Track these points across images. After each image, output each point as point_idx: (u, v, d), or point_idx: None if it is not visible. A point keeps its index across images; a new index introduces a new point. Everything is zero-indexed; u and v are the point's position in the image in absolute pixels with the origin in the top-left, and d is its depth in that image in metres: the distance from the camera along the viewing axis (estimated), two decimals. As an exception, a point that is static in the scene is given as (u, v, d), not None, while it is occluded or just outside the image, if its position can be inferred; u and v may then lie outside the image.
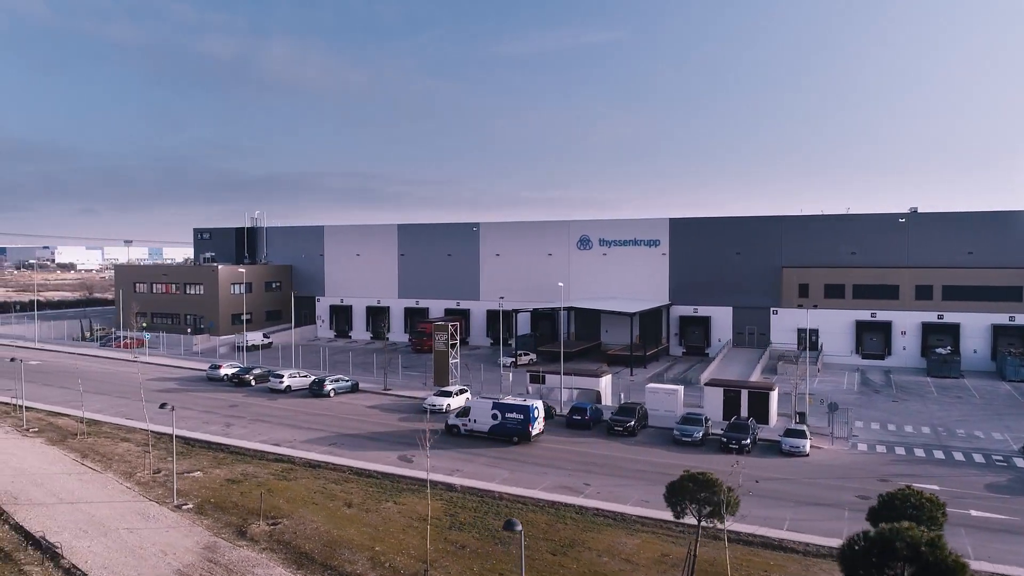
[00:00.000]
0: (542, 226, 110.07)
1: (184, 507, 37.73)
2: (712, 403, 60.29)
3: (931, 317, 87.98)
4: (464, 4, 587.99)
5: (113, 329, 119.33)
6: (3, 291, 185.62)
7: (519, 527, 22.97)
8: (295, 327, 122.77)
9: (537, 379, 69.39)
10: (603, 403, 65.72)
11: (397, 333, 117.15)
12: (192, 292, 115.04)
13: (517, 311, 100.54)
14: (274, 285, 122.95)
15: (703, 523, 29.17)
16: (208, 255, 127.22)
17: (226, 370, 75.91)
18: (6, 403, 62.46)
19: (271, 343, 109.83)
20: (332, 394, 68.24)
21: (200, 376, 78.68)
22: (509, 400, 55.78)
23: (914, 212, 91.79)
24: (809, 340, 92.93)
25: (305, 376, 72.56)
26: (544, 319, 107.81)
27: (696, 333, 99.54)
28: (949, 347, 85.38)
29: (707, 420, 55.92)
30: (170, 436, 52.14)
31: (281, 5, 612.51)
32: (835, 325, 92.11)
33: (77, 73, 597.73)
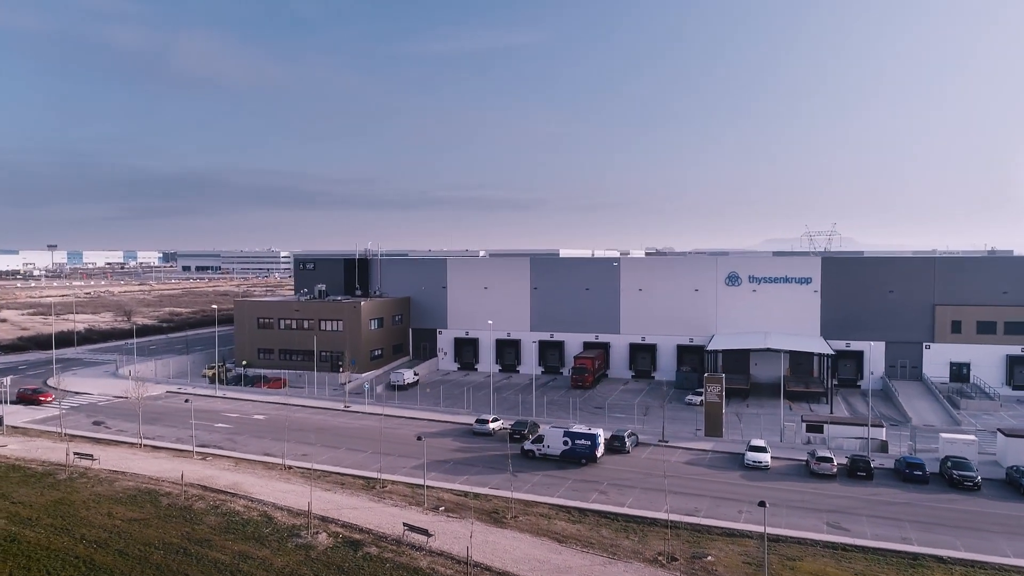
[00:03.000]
0: (688, 261, 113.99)
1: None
2: (1011, 451, 65.39)
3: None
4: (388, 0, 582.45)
5: (237, 367, 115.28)
6: (15, 313, 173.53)
7: None
8: (414, 360, 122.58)
9: (816, 429, 73.09)
10: (889, 452, 70.09)
11: (529, 365, 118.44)
12: (328, 328, 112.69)
13: (702, 346, 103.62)
14: (397, 318, 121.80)
15: None
16: (320, 287, 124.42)
17: (493, 424, 76.04)
18: (363, 477, 61.05)
19: (418, 380, 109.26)
20: (630, 450, 69.84)
21: (457, 429, 78.18)
22: (577, 429, 67.52)
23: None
24: (961, 373, 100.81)
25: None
26: (688, 352, 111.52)
27: (848, 366, 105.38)
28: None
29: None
30: (586, 511, 53.17)
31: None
32: (987, 359, 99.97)
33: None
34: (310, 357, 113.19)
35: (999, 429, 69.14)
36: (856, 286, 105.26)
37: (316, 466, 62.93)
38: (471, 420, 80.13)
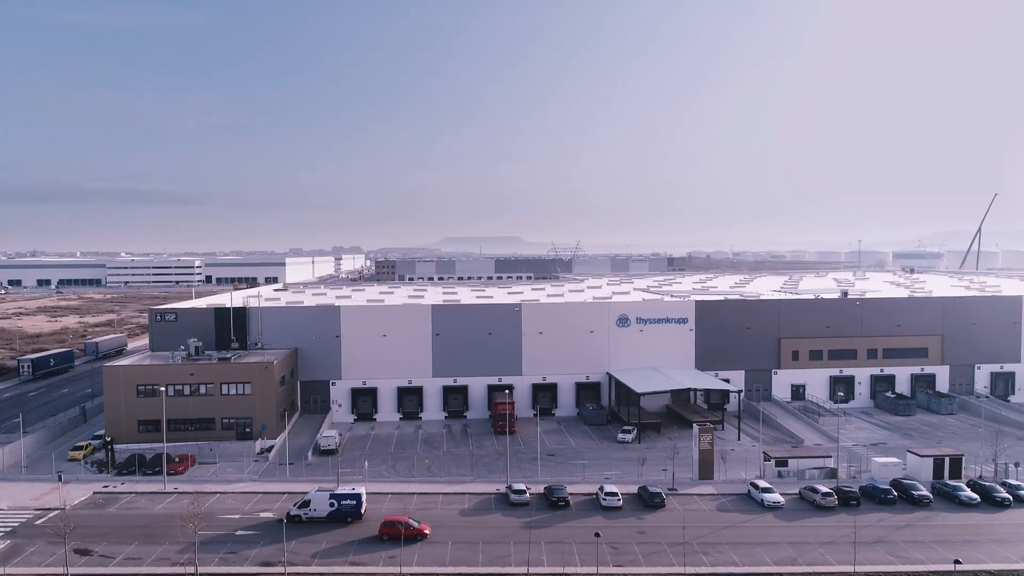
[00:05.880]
0: (584, 307, 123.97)
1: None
2: (923, 468, 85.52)
3: (876, 371, 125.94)
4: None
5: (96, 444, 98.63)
6: None
7: None
8: (305, 416, 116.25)
9: (783, 463, 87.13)
10: (839, 477, 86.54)
11: (431, 412, 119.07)
12: (232, 392, 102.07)
13: (598, 382, 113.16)
14: (291, 373, 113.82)
15: None
16: (196, 343, 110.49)
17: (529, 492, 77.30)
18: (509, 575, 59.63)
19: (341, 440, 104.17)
20: (666, 504, 77.04)
21: (482, 501, 77.97)
22: (342, 491, 72.93)
23: (862, 298, 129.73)
24: (799, 393, 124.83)
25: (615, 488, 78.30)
26: (585, 389, 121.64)
27: (716, 392, 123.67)
28: (891, 391, 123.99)
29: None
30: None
31: None
32: (817, 380, 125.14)
33: None
34: (208, 426, 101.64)
35: (909, 450, 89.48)
36: (722, 324, 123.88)
37: (437, 569, 60.54)
38: (482, 488, 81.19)
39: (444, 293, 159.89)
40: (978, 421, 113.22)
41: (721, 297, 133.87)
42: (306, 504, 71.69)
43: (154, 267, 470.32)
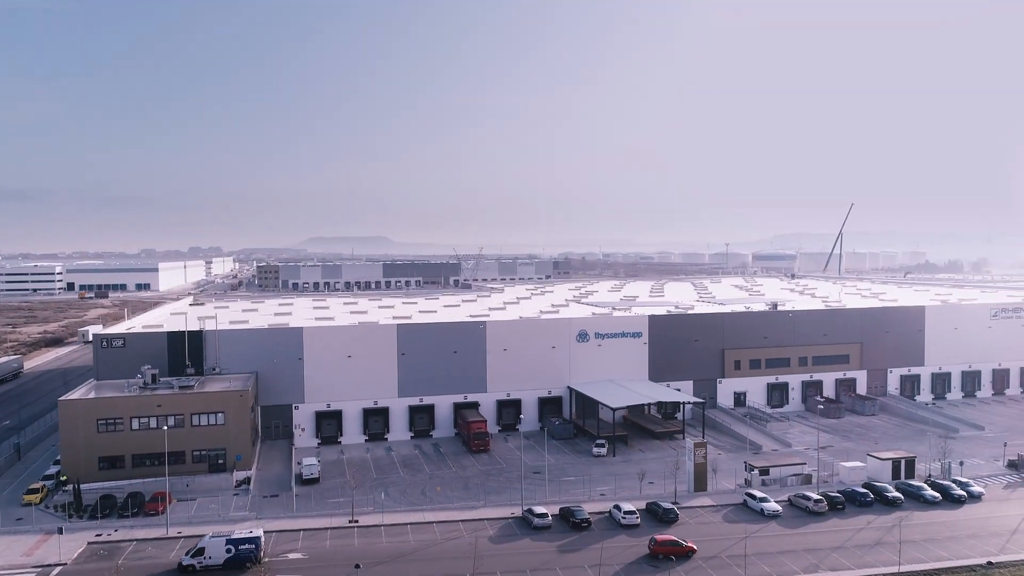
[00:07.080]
0: (546, 323, 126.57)
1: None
2: (884, 470, 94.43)
3: (806, 377, 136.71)
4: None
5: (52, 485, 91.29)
6: None
7: None
8: (266, 442, 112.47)
9: (764, 472, 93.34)
10: (814, 482, 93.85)
11: (397, 433, 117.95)
12: (203, 423, 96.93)
13: (560, 396, 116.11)
14: (255, 398, 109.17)
15: None
16: (151, 370, 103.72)
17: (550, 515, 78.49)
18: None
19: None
20: (678, 517, 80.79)
21: (506, 526, 78.48)
22: (239, 535, 69.54)
23: (794, 311, 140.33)
24: (740, 400, 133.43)
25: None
26: (549, 403, 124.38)
27: (668, 402, 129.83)
28: (821, 396, 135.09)
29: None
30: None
31: None
32: (756, 387, 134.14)
33: None
34: (177, 460, 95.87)
35: (869, 454, 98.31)
36: (673, 338, 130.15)
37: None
38: (497, 513, 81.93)
39: (381, 308, 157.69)
40: (899, 421, 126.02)
41: (664, 311, 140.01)
42: (200, 552, 66.93)
43: (6, 273, 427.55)
